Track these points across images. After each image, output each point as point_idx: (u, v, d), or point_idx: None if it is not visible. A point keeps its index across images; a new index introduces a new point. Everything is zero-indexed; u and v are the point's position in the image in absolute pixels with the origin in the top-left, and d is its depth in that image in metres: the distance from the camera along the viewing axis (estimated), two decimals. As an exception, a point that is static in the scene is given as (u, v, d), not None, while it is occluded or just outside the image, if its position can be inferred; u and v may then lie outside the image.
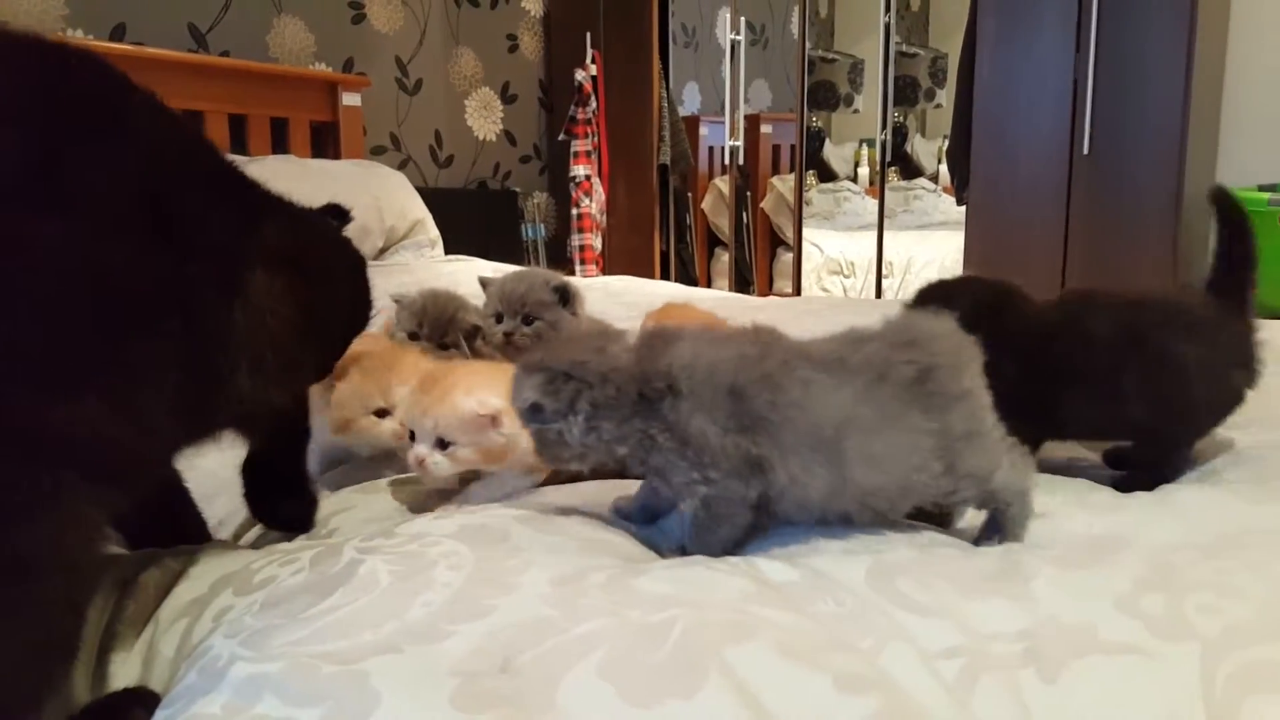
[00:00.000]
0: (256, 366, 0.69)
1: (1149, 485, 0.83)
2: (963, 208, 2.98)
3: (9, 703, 0.47)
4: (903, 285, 3.46)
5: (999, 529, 0.71)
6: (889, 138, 3.39)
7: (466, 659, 0.50)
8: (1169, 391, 0.84)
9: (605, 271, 3.46)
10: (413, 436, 0.79)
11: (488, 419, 0.78)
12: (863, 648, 0.53)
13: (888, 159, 3.46)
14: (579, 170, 3.42)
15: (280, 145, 2.69)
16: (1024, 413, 0.88)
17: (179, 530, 0.76)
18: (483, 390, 0.78)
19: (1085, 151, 2.65)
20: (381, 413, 0.91)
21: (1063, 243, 2.73)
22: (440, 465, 0.76)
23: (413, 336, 1.09)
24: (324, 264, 0.83)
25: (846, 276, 3.69)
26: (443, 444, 0.77)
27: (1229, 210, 0.84)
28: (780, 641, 0.52)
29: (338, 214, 0.89)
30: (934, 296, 0.96)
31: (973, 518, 0.76)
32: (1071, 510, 0.76)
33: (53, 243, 0.51)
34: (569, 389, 0.68)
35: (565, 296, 1.07)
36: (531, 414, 0.69)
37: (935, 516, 0.75)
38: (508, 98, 3.63)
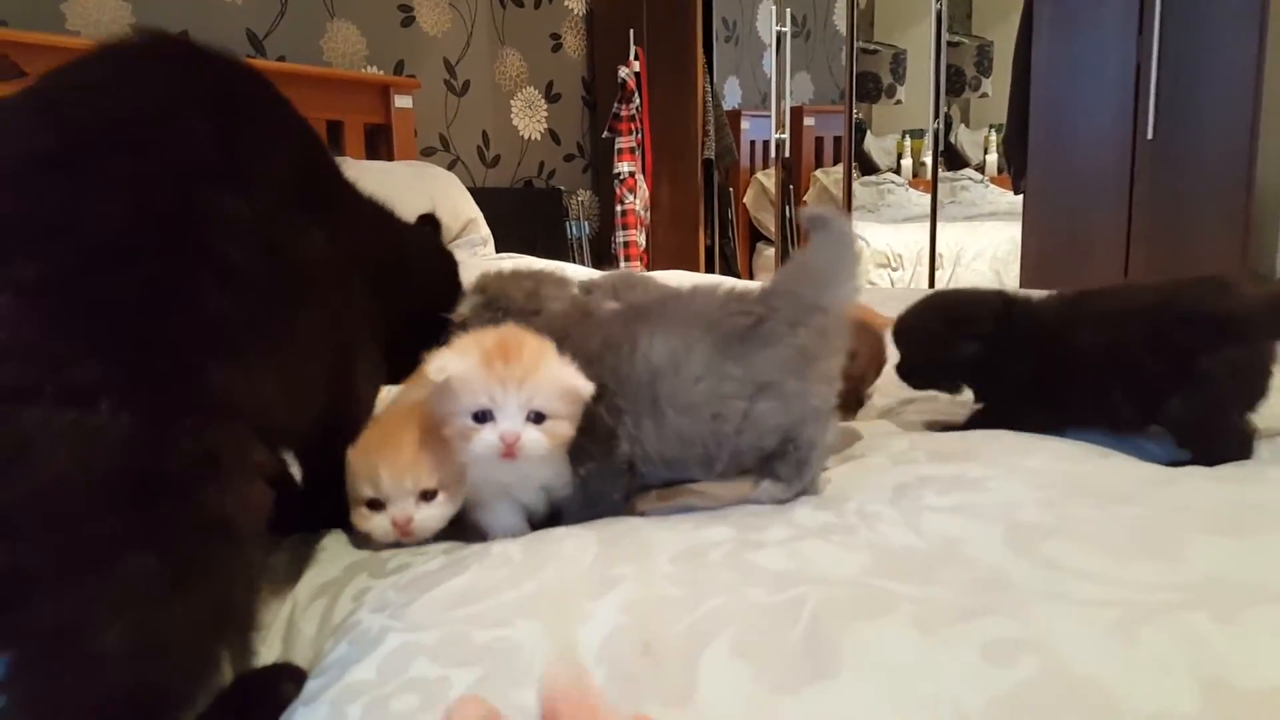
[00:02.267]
0: (375, 355, 0.73)
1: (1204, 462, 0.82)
2: (1014, 198, 2.93)
3: (187, 667, 0.47)
4: (953, 277, 3.42)
5: (771, 471, 0.69)
6: (940, 127, 3.35)
7: (608, 641, 0.50)
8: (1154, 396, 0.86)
9: (649, 268, 3.46)
10: (480, 418, 0.65)
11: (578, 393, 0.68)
12: (1005, 611, 0.50)
13: (940, 149, 3.41)
14: (623, 167, 3.42)
15: (335, 147, 2.73)
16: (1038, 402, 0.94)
17: (294, 518, 0.77)
18: (564, 364, 0.69)
19: (1149, 136, 2.58)
20: None
21: (1125, 232, 2.66)
22: (538, 443, 0.65)
23: None
24: (430, 268, 0.88)
25: (894, 269, 3.65)
26: (538, 418, 0.66)
27: None
28: (916, 615, 0.50)
29: (432, 223, 0.93)
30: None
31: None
32: (1198, 480, 0.72)
33: (235, 217, 0.54)
34: (490, 319, 0.72)
35: None
36: (461, 329, 0.74)
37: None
38: (552, 96, 3.65)
